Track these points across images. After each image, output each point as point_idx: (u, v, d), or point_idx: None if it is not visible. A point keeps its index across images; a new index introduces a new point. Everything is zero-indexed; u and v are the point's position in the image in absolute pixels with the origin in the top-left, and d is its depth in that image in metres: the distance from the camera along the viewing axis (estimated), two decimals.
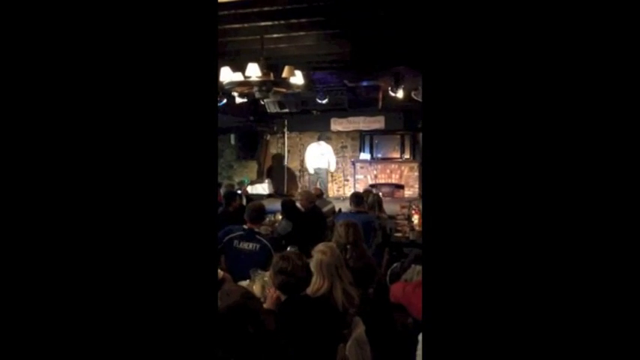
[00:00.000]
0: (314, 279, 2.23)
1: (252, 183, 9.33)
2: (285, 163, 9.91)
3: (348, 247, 2.84)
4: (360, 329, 2.06)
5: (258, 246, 3.36)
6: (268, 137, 9.95)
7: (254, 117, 8.20)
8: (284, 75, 4.05)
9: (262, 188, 9.36)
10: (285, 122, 9.53)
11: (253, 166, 10.06)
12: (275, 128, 9.70)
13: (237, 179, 9.61)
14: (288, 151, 9.94)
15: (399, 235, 4.92)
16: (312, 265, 2.34)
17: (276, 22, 3.88)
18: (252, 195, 8.78)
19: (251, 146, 10.03)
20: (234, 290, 1.63)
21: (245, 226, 3.41)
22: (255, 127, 9.38)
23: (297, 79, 4.20)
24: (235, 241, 3.36)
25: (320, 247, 2.44)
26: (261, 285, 2.84)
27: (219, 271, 3.12)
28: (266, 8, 3.57)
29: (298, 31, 4.20)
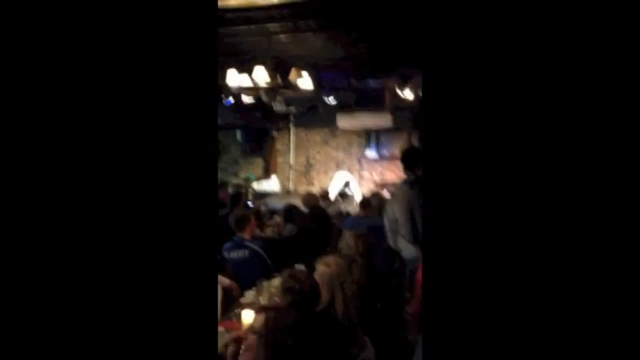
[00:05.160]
0: None
1: (258, 179, 9.30)
2: (291, 159, 9.85)
3: (357, 258, 2.80)
4: (368, 351, 2.03)
5: (246, 252, 3.36)
6: (274, 133, 9.89)
7: (260, 114, 8.16)
8: (291, 78, 4.00)
9: (268, 185, 9.34)
10: (291, 118, 9.47)
11: (259, 162, 10.02)
12: (281, 125, 9.64)
13: (242, 175, 9.59)
14: (295, 148, 9.88)
15: None
16: (316, 276, 2.34)
17: (283, 25, 3.82)
18: (259, 192, 8.78)
19: (257, 142, 9.99)
20: None
21: (236, 236, 3.43)
22: (262, 124, 9.33)
23: (305, 81, 4.14)
24: (225, 253, 3.38)
25: (325, 259, 2.44)
26: (267, 295, 2.82)
27: (225, 279, 3.12)
28: (273, 12, 3.52)
29: (305, 33, 4.14)
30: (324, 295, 2.21)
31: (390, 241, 3.17)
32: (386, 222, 3.20)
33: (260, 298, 2.79)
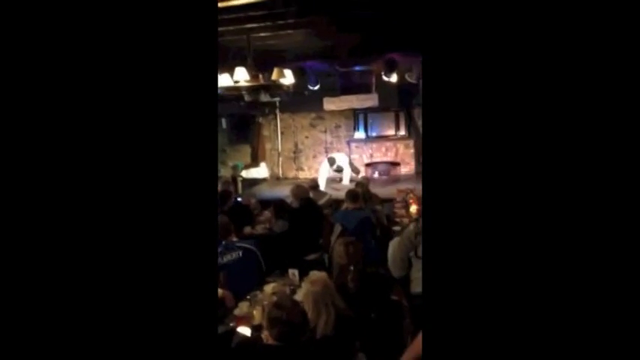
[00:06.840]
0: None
1: (246, 167, 9.23)
2: (279, 145, 9.77)
3: (351, 268, 2.79)
4: None
5: (240, 252, 3.34)
6: (260, 120, 9.78)
7: (244, 103, 8.03)
8: (273, 77, 3.92)
9: (257, 172, 9.28)
10: (277, 104, 9.35)
11: (246, 149, 9.93)
12: (267, 110, 9.52)
13: (230, 163, 9.50)
14: (282, 133, 9.79)
15: (397, 228, 4.85)
16: (301, 294, 2.32)
17: (262, 24, 3.72)
18: (249, 179, 8.72)
19: (243, 129, 9.87)
20: None
21: (222, 243, 3.40)
22: (247, 110, 9.20)
23: (288, 79, 4.06)
24: (218, 259, 3.32)
25: (311, 277, 2.42)
26: (261, 308, 2.82)
27: (218, 290, 3.11)
28: (251, 13, 3.41)
29: (286, 30, 4.04)
30: (311, 317, 2.17)
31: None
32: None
33: (254, 312, 2.79)
